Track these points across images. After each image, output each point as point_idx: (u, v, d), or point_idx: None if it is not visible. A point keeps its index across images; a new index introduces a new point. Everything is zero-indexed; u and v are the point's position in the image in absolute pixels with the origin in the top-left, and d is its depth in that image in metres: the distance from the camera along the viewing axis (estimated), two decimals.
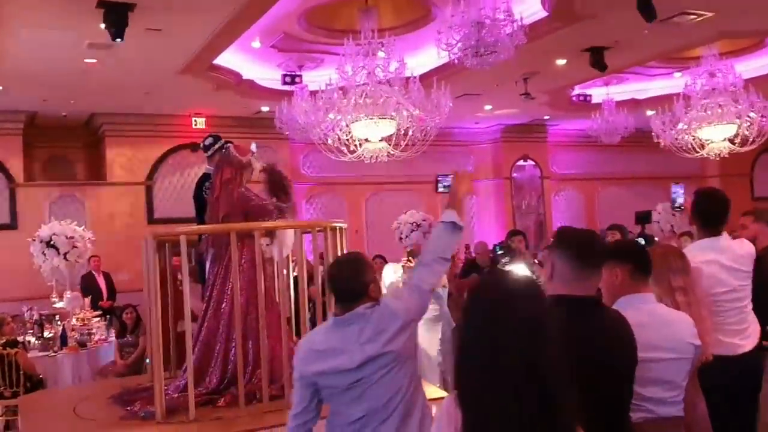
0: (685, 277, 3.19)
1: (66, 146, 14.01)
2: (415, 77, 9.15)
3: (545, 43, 9.73)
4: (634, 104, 13.85)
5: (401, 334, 2.54)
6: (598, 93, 13.68)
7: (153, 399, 4.12)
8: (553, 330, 1.71)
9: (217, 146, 5.24)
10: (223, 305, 4.46)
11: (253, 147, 4.98)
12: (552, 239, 2.54)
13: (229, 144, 4.92)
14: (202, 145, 5.38)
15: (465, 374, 1.74)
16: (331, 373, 2.50)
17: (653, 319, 2.65)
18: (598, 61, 10.68)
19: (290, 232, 4.66)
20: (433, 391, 4.43)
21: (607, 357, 2.26)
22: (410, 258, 7.15)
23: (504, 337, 1.68)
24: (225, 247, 4.46)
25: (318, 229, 4.59)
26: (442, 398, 3.86)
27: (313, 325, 4.57)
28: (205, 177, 5.38)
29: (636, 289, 2.74)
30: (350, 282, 2.59)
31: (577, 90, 13.65)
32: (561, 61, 11.21)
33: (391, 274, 7.71)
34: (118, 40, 7.86)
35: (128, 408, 4.28)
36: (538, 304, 1.75)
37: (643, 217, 10.63)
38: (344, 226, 4.77)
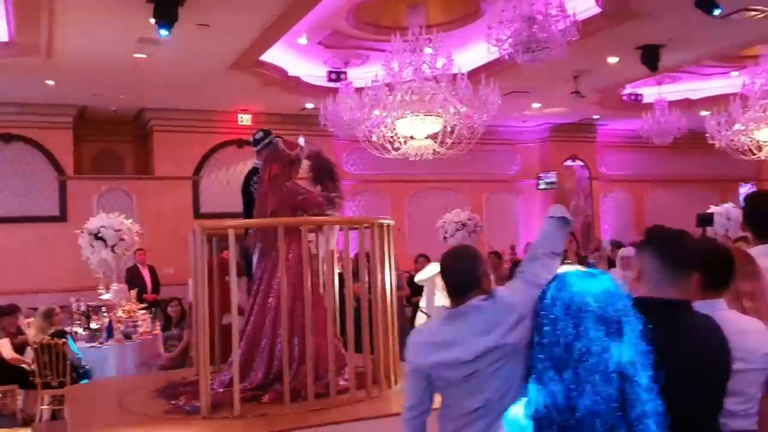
0: (754, 282, 2.99)
1: (115, 140, 14.22)
2: (462, 74, 9.02)
3: (597, 40, 9.51)
4: (687, 104, 13.49)
5: (517, 327, 2.49)
6: (649, 92, 13.35)
7: (198, 393, 4.09)
8: (636, 332, 1.59)
9: (266, 140, 5.19)
10: (270, 300, 4.41)
11: (301, 141, 4.93)
12: (642, 238, 2.39)
13: (278, 139, 4.86)
14: (252, 139, 5.35)
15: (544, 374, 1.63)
16: (446, 365, 2.49)
17: (725, 327, 2.49)
18: (650, 60, 10.39)
19: (336, 226, 4.59)
20: None
21: (695, 364, 2.10)
22: None
23: (583, 336, 1.57)
24: (272, 242, 4.41)
25: (365, 225, 4.50)
26: None
27: (357, 323, 4.48)
28: (253, 171, 5.34)
29: (706, 295, 2.58)
30: (464, 274, 2.59)
31: (628, 89, 13.33)
32: (613, 59, 10.95)
33: (427, 273, 7.59)
34: (164, 32, 7.88)
35: (173, 402, 4.26)
36: (617, 302, 1.63)
37: (706, 219, 10.25)
38: (392, 223, 4.68)
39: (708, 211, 11.03)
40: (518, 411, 1.70)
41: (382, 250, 4.49)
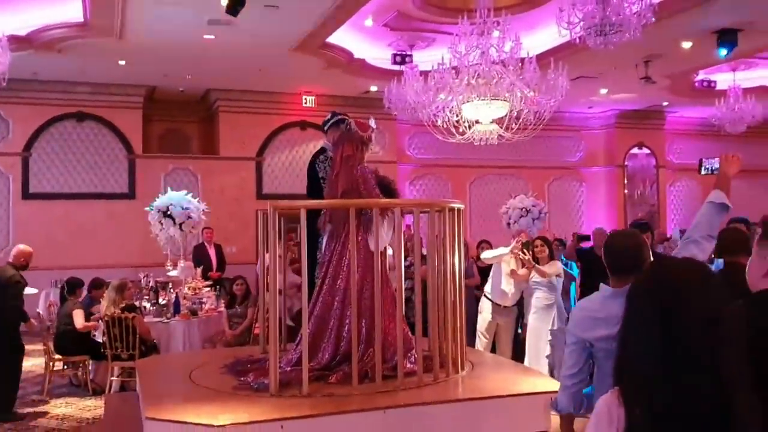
0: None
1: (182, 120, 14.53)
2: (531, 57, 8.85)
3: (672, 23, 9.20)
4: (763, 92, 12.96)
5: None
6: (723, 79, 12.90)
7: (265, 371, 4.12)
8: (738, 328, 1.53)
9: (332, 120, 5.21)
10: (339, 282, 4.41)
11: (372, 122, 4.89)
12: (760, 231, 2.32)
13: (349, 120, 4.85)
14: (322, 123, 5.39)
15: (632, 370, 1.58)
16: (611, 338, 2.56)
17: None
18: (726, 45, 10.01)
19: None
20: (543, 383, 4.25)
21: None
22: (524, 249, 6.90)
23: (680, 330, 1.52)
24: (342, 224, 4.41)
25: (436, 209, 4.46)
26: (555, 391, 3.69)
27: (424, 307, 4.45)
28: (320, 151, 5.34)
29: None
30: (632, 257, 2.75)
31: (701, 75, 12.91)
32: (687, 44, 10.59)
33: (494, 253, 7.52)
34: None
35: (241, 378, 4.30)
36: (717, 295, 1.57)
37: None
38: (462, 207, 4.62)
39: None
40: (611, 401, 1.66)
41: (452, 234, 4.44)
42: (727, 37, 9.95)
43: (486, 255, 7.55)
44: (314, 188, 5.16)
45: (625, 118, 15.98)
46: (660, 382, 1.53)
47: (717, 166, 3.16)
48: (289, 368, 4.29)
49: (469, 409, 3.87)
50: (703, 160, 15.17)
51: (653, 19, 7.32)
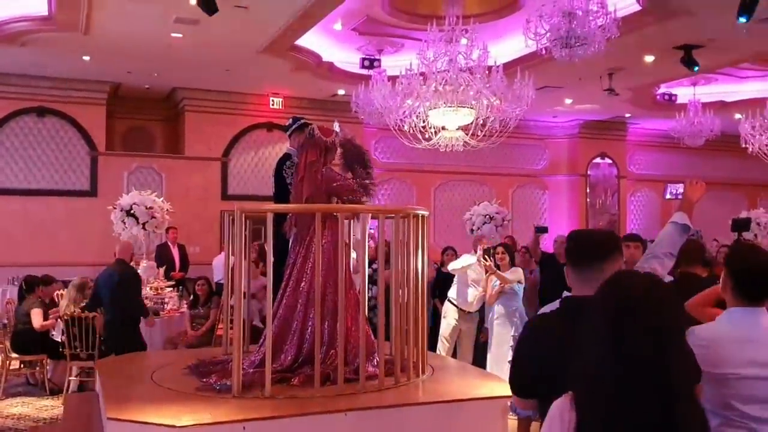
0: None
1: (146, 118, 14.36)
2: (498, 66, 8.98)
3: (635, 37, 9.42)
4: (721, 106, 13.32)
5: None
6: (683, 93, 13.22)
7: (228, 372, 4.13)
8: (681, 337, 1.62)
9: (295, 126, 5.26)
10: (302, 284, 4.44)
11: (336, 127, 4.93)
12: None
13: (313, 125, 4.88)
14: (285, 125, 5.43)
15: (585, 376, 1.66)
16: None
17: (761, 334, 2.47)
18: (689, 60, 10.27)
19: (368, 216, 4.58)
20: (502, 388, 4.33)
21: None
22: (486, 256, 6.98)
23: (630, 339, 1.60)
24: (307, 228, 4.44)
25: (401, 215, 4.51)
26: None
27: (387, 311, 4.50)
28: (286, 157, 5.37)
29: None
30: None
31: (663, 89, 13.21)
32: (649, 58, 10.84)
33: (461, 263, 7.58)
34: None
35: (204, 380, 4.30)
36: (667, 309, 1.65)
37: (742, 224, 10.02)
38: (426, 213, 4.68)
39: (742, 216, 10.81)
40: (564, 406, 1.73)
41: (417, 240, 4.50)
42: (689, 53, 10.15)
43: (453, 266, 7.61)
44: (282, 194, 5.18)
45: (588, 128, 16.26)
46: (610, 389, 1.60)
47: (681, 190, 3.39)
48: (251, 370, 4.30)
49: (428, 413, 3.93)
50: (668, 185, 15.65)
51: (617, 33, 7.49)
